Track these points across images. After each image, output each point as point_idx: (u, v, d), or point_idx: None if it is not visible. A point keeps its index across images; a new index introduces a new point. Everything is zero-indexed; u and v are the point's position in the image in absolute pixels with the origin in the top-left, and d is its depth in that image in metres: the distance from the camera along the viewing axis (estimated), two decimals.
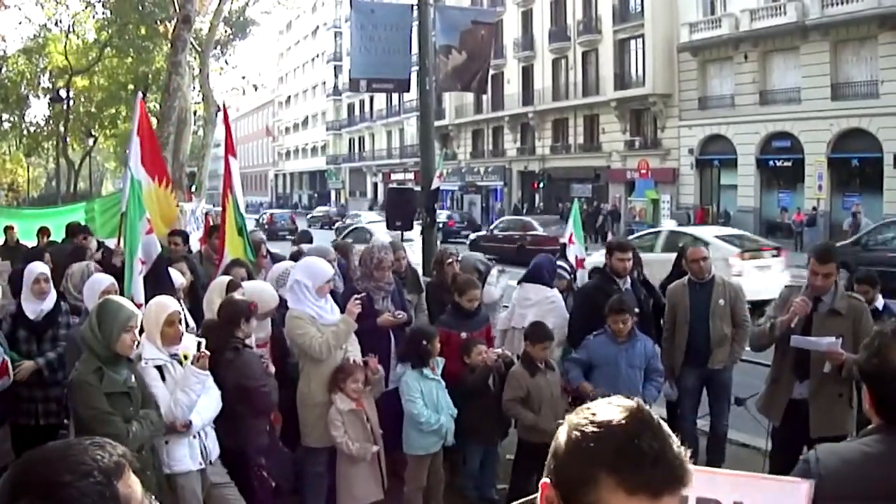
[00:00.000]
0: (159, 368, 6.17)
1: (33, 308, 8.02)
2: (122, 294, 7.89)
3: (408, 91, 15.60)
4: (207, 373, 6.17)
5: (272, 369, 7.22)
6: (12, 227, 16.78)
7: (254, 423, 6.79)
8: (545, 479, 1.83)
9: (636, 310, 8.25)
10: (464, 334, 8.31)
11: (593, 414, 1.79)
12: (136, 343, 5.89)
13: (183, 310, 7.50)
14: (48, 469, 1.90)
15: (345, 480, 7.29)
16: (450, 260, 10.00)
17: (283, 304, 8.08)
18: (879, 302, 9.29)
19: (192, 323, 7.88)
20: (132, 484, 1.98)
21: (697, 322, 8.71)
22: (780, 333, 7.00)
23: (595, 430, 1.75)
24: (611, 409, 1.80)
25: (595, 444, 1.73)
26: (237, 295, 7.50)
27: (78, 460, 1.91)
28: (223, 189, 10.66)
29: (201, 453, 6.27)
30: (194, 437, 6.22)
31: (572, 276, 10.38)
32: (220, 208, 11.06)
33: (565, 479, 1.77)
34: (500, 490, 8.03)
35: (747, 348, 8.61)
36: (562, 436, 1.81)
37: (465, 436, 7.80)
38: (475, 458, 7.96)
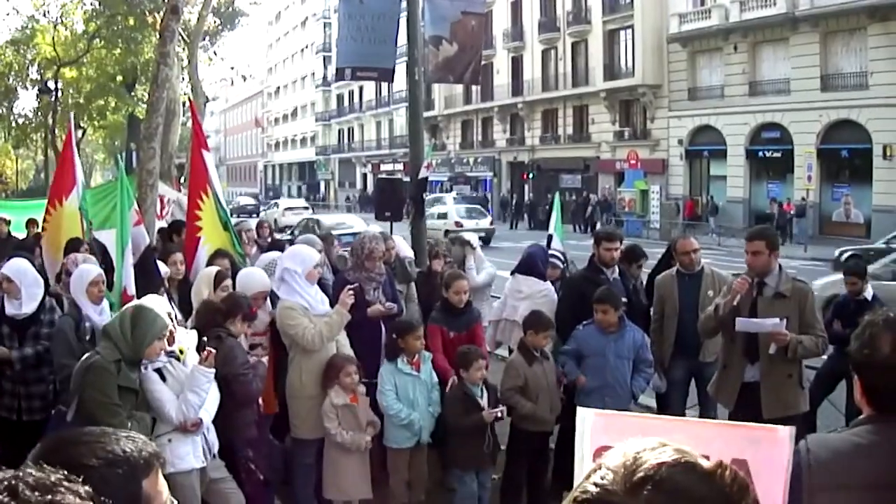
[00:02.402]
0: (158, 371, 6.16)
1: (11, 306, 7.83)
2: (110, 286, 7.88)
3: (392, 80, 15.56)
4: (213, 370, 6.16)
5: (264, 362, 7.19)
6: (3, 220, 16.69)
7: (239, 414, 6.77)
8: None
9: (623, 300, 8.23)
10: (452, 333, 8.25)
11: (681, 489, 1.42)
12: (162, 351, 5.98)
13: (173, 306, 7.49)
14: (77, 450, 1.91)
15: (332, 471, 7.28)
16: (437, 251, 9.94)
17: (272, 295, 8.08)
18: (868, 292, 9.34)
19: (179, 316, 7.86)
20: (159, 485, 1.98)
21: (686, 314, 8.63)
22: (724, 314, 7.07)
23: None
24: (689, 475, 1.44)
25: None
26: (227, 284, 7.55)
27: (108, 448, 1.92)
28: (196, 185, 10.47)
29: (203, 450, 6.28)
30: (196, 433, 6.23)
31: (566, 265, 10.35)
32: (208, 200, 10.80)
33: None
34: (494, 480, 8.00)
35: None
36: None
37: (454, 464, 7.57)
38: (468, 481, 7.47)
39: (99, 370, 5.65)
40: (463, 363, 7.46)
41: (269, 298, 7.96)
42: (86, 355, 5.93)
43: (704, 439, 2.35)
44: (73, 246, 10.04)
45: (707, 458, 1.46)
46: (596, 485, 1.42)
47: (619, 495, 1.39)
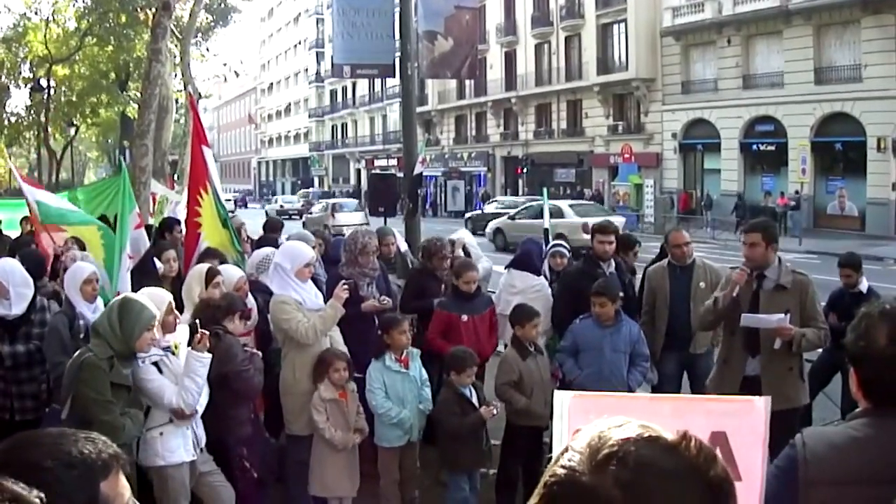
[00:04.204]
0: (155, 364, 6.15)
1: (0, 306, 7.62)
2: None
3: (393, 76, 15.58)
4: (209, 355, 6.15)
5: (259, 354, 7.17)
6: None
7: (235, 412, 6.76)
8: None
9: (620, 294, 8.20)
10: (465, 317, 8.27)
11: (646, 463, 1.40)
12: (153, 341, 5.96)
13: None
14: (33, 451, 1.89)
15: (318, 467, 7.25)
16: (442, 252, 9.83)
17: (266, 290, 8.07)
18: (864, 285, 9.32)
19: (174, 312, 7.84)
20: (119, 487, 1.95)
21: (678, 305, 8.68)
22: (723, 306, 7.09)
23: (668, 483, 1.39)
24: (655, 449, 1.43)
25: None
26: (219, 281, 7.53)
27: (65, 450, 1.89)
28: (196, 180, 10.40)
29: (193, 443, 6.28)
30: (186, 427, 6.24)
31: (572, 254, 10.32)
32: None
33: None
34: (489, 475, 7.98)
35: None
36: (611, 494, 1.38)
37: (448, 466, 7.55)
38: (462, 485, 7.44)
39: (91, 367, 5.64)
40: (455, 366, 7.34)
41: (255, 298, 7.97)
42: (77, 352, 5.92)
43: (684, 415, 2.42)
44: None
45: (686, 432, 1.46)
46: (563, 467, 1.42)
47: (585, 475, 1.39)
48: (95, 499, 1.86)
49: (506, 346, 8.34)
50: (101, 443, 1.95)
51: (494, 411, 7.24)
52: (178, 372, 6.16)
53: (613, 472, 1.37)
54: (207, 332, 6.18)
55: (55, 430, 2.04)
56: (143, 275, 8.37)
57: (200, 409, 6.26)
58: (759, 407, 2.44)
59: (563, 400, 2.33)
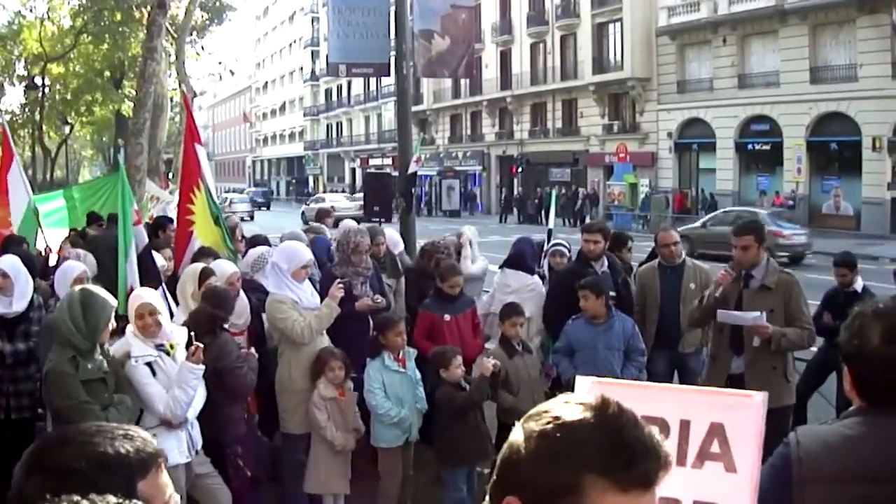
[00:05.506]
0: (149, 365, 6.10)
1: (1, 304, 7.61)
2: (116, 285, 7.78)
3: (388, 75, 15.54)
4: (202, 367, 6.11)
5: (255, 353, 7.15)
6: None
7: (230, 411, 6.75)
8: (510, 498, 1.64)
9: (612, 293, 8.19)
10: (447, 317, 8.26)
11: (556, 417, 1.63)
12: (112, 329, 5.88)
13: (168, 298, 7.44)
14: (67, 452, 1.84)
15: (314, 464, 7.26)
16: (442, 254, 9.83)
17: (261, 289, 8.05)
18: (859, 284, 9.34)
19: (174, 309, 7.79)
20: (160, 484, 1.91)
21: (668, 305, 8.71)
22: (706, 305, 7.15)
23: (568, 432, 1.60)
24: (573, 408, 1.65)
25: (573, 447, 1.58)
26: (212, 281, 7.49)
27: (99, 450, 1.84)
28: (189, 179, 10.39)
29: (188, 445, 6.24)
30: (181, 429, 6.19)
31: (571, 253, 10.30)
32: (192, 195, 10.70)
33: (540, 492, 1.61)
34: (487, 474, 7.95)
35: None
36: (521, 445, 1.65)
37: (448, 462, 7.36)
38: (460, 485, 7.30)
39: (56, 376, 5.57)
40: (441, 362, 7.29)
41: (248, 298, 7.94)
42: (46, 364, 5.84)
43: (687, 405, 2.54)
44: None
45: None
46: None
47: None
48: (130, 500, 1.77)
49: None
50: (139, 440, 1.90)
51: (493, 360, 7.25)
52: (172, 374, 6.12)
53: (526, 427, 1.66)
54: (202, 346, 6.15)
55: (92, 426, 1.97)
56: (144, 271, 8.33)
57: (193, 412, 6.23)
58: (756, 402, 2.53)
59: (583, 386, 2.53)
